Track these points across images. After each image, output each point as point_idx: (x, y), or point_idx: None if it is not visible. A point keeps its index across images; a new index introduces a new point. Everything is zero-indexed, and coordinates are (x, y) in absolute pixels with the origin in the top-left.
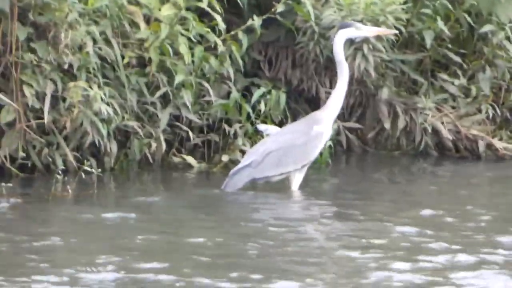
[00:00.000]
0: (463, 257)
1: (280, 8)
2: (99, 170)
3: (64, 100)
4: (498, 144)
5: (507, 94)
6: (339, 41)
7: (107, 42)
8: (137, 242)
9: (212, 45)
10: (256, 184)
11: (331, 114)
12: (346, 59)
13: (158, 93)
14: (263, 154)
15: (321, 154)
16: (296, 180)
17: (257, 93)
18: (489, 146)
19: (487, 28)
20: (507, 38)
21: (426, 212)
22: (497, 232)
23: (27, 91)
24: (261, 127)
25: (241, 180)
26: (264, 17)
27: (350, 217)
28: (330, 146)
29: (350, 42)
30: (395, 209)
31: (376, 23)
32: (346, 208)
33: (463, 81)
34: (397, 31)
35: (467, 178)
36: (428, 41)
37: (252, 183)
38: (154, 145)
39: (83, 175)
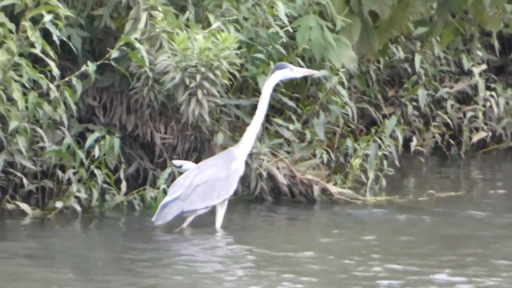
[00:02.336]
0: None
1: (114, 54)
2: None
3: None
4: (333, 188)
5: (342, 139)
6: (273, 80)
7: None
8: None
9: (45, 91)
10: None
11: (245, 150)
12: (181, 104)
13: None
14: (190, 187)
15: (155, 199)
16: (219, 217)
17: (90, 139)
18: (324, 190)
19: (320, 73)
20: (341, 83)
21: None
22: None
23: None
24: (177, 162)
25: (171, 213)
26: (98, 62)
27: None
28: (164, 191)
29: (184, 87)
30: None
31: (210, 68)
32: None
33: (297, 126)
34: (318, 72)
35: (302, 223)
36: (261, 86)
37: (178, 216)
38: None
39: None
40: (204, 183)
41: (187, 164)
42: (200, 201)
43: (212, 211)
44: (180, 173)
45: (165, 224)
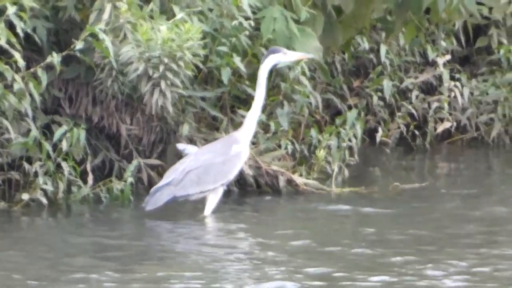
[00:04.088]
0: None
1: (79, 45)
2: None
3: None
4: (298, 179)
5: (307, 130)
6: (267, 64)
7: None
8: None
9: (10, 83)
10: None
11: (247, 134)
12: (144, 94)
13: None
14: (183, 172)
15: (122, 191)
16: (210, 203)
17: (58, 132)
18: (290, 181)
19: (313, 56)
20: (303, 73)
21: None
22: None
23: None
24: (180, 146)
25: (162, 199)
26: (63, 54)
27: None
28: (131, 183)
29: (147, 78)
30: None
31: (174, 59)
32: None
33: (262, 116)
34: (313, 56)
35: (269, 213)
36: (225, 78)
37: (173, 201)
38: None
39: None
40: (198, 168)
41: (189, 148)
42: (193, 186)
43: None
44: (146, 165)
45: (155, 210)
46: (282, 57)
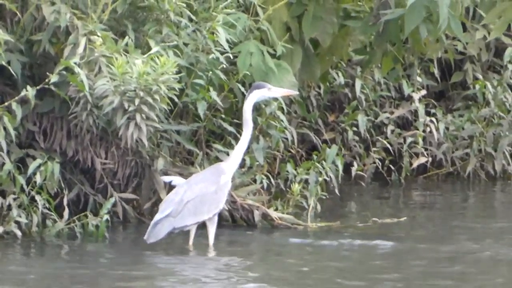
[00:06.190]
0: None
1: (54, 78)
2: None
3: None
4: (274, 214)
5: (282, 164)
6: (251, 100)
7: None
8: None
9: None
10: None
11: (233, 166)
12: (120, 128)
13: None
14: (181, 203)
15: (97, 227)
16: (211, 234)
17: (32, 166)
18: (265, 216)
19: (297, 93)
20: (280, 108)
21: None
22: None
23: None
24: (166, 178)
25: (163, 230)
26: (38, 87)
27: None
28: (107, 220)
29: (123, 111)
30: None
31: (149, 92)
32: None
33: None
34: (297, 92)
35: (244, 247)
36: (201, 112)
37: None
38: None
39: None
40: (194, 198)
41: (176, 180)
42: (191, 217)
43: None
44: (121, 199)
45: (157, 242)
46: (266, 93)
